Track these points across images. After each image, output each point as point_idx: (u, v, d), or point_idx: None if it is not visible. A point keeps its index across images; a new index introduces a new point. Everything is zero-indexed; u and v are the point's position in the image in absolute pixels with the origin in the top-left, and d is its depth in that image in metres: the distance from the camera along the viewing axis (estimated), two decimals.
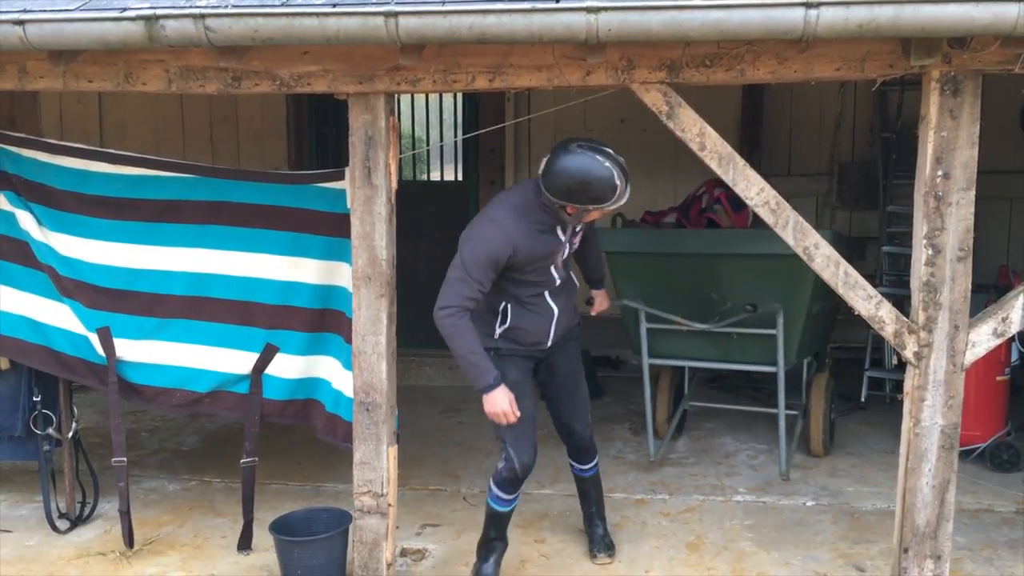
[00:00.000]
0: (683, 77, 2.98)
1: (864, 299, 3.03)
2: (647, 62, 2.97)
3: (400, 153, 3.46)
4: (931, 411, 3.04)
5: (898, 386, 4.36)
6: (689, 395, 5.30)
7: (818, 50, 2.88)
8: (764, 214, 3.03)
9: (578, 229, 3.40)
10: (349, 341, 3.40)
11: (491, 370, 3.19)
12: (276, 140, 6.93)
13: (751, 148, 6.33)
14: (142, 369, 3.77)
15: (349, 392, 3.46)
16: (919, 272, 2.98)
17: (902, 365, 3.11)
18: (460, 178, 7.20)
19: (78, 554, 3.88)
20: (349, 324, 3.38)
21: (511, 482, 3.45)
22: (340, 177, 3.41)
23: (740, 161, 3.02)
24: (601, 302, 3.87)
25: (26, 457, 4.13)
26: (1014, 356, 4.75)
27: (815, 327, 4.83)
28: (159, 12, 2.79)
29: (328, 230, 3.54)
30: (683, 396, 5.26)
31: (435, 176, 8.45)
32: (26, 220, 3.76)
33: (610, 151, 3.13)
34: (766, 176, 3.16)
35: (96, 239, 3.72)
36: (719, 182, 4.64)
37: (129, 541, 3.87)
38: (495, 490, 3.49)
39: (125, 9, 2.84)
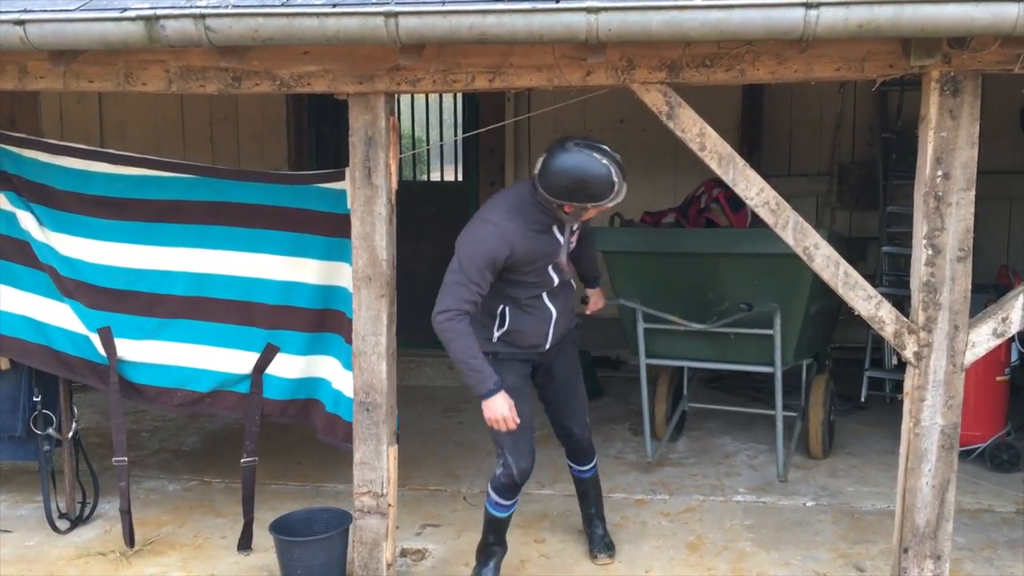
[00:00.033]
0: (683, 77, 2.98)
1: (864, 299, 3.03)
2: (647, 62, 2.98)
3: (400, 153, 3.46)
4: (931, 411, 3.04)
5: (898, 386, 4.36)
6: (689, 396, 5.28)
7: (818, 50, 2.88)
8: (764, 214, 3.03)
9: (575, 228, 3.37)
10: (349, 341, 3.40)
11: (491, 375, 3.16)
12: (276, 140, 6.93)
13: (751, 148, 6.33)
14: (143, 369, 3.78)
15: (349, 392, 3.46)
16: (919, 272, 2.98)
17: (902, 365, 3.11)
18: (460, 178, 7.20)
19: (78, 554, 3.88)
20: (349, 324, 3.38)
21: (509, 488, 3.43)
22: (340, 177, 3.41)
23: (740, 161, 3.02)
24: (596, 300, 3.86)
25: (26, 457, 4.13)
26: (1014, 356, 4.75)
27: (814, 328, 4.81)
28: (159, 12, 2.79)
29: (328, 230, 3.54)
30: (682, 397, 5.25)
31: (435, 176, 8.45)
32: (27, 220, 3.76)
33: (606, 148, 3.11)
34: (766, 176, 3.16)
35: (97, 239, 3.72)
36: (718, 182, 4.65)
37: (130, 540, 3.87)
38: (493, 496, 3.48)
39: (125, 9, 2.85)
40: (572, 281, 3.54)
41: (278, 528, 3.53)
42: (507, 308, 3.35)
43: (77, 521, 4.14)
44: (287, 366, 3.72)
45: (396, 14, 2.69)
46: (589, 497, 3.84)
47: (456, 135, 7.13)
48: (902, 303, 4.06)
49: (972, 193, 2.90)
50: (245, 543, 3.87)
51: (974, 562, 3.70)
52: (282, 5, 2.82)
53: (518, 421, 3.21)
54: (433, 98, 7.25)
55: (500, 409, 3.16)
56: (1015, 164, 6.33)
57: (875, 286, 3.75)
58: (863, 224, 6.51)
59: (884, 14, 2.55)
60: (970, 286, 2.97)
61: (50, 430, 4.04)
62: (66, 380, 3.98)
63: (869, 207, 6.41)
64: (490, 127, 4.89)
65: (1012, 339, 4.62)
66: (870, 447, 5.05)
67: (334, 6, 2.75)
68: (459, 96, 6.87)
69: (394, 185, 3.28)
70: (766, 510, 4.24)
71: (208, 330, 3.72)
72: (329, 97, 3.25)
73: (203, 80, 3.22)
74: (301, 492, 4.49)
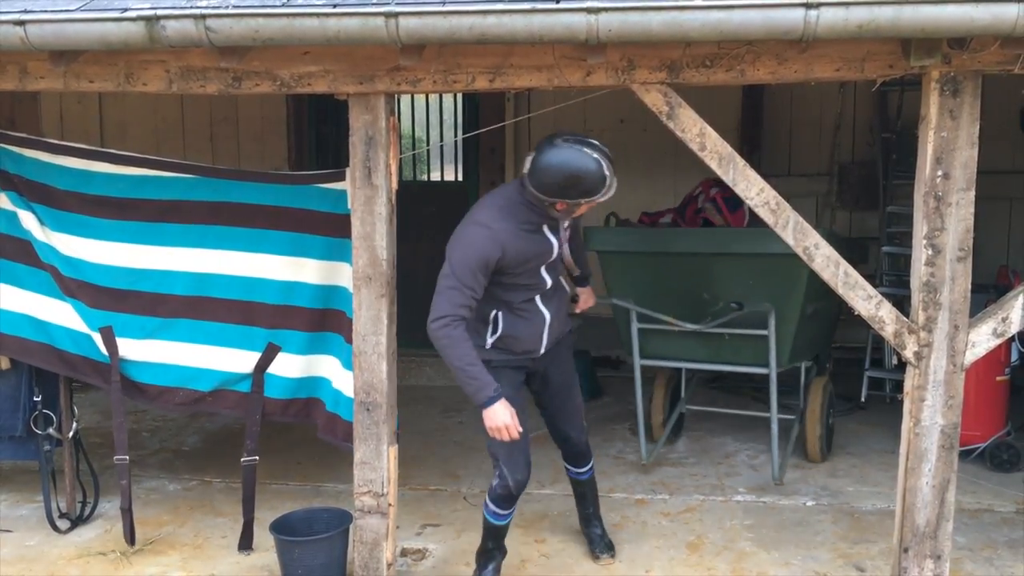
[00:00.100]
0: (683, 77, 2.98)
1: (864, 299, 3.04)
2: (647, 62, 2.98)
3: (400, 153, 3.46)
4: (931, 411, 3.04)
5: (898, 386, 4.37)
6: (687, 397, 5.24)
7: (818, 50, 2.89)
8: (764, 214, 3.03)
9: (566, 227, 3.34)
10: (350, 341, 3.41)
11: (490, 382, 3.10)
12: (276, 140, 6.93)
13: (751, 148, 6.34)
14: (145, 368, 3.78)
15: (349, 392, 3.46)
16: (919, 272, 2.98)
17: (902, 365, 3.12)
18: (460, 178, 7.20)
19: (78, 554, 3.88)
20: (350, 324, 3.38)
21: (506, 499, 3.41)
22: (341, 178, 3.41)
23: (740, 161, 3.02)
24: (586, 299, 3.80)
25: (26, 457, 4.14)
26: (1014, 356, 4.76)
27: (812, 329, 4.78)
28: (160, 12, 2.79)
29: (329, 230, 3.54)
30: (680, 398, 5.21)
31: (435, 176, 8.45)
32: (28, 220, 3.77)
33: (594, 141, 3.07)
34: (766, 176, 3.16)
35: (98, 239, 3.73)
36: (716, 181, 4.64)
37: (131, 538, 3.87)
38: (491, 505, 3.46)
39: (126, 9, 2.85)
40: (565, 285, 3.52)
41: (278, 528, 3.54)
42: (500, 313, 3.31)
43: (77, 521, 4.14)
44: (288, 365, 3.73)
45: (396, 14, 2.70)
46: (587, 498, 3.84)
47: (456, 135, 7.13)
48: (902, 303, 4.06)
49: (972, 193, 2.91)
50: (245, 543, 3.88)
51: (974, 562, 3.70)
52: (282, 5, 2.82)
53: (520, 429, 3.16)
54: (433, 98, 7.25)
55: (501, 417, 3.10)
56: (1015, 164, 6.33)
57: (875, 286, 3.75)
58: (863, 224, 6.52)
59: (884, 14, 2.55)
60: (970, 286, 2.98)
61: (50, 430, 4.05)
62: (66, 380, 3.99)
63: (869, 207, 6.41)
64: (490, 127, 4.89)
65: (1012, 339, 4.62)
66: (870, 447, 5.05)
67: (334, 6, 2.75)
68: (459, 96, 6.87)
69: (394, 185, 3.28)
70: (766, 510, 4.25)
71: (209, 329, 3.73)
72: (329, 97, 3.25)
73: (203, 80, 3.22)
74: (301, 492, 4.49)
